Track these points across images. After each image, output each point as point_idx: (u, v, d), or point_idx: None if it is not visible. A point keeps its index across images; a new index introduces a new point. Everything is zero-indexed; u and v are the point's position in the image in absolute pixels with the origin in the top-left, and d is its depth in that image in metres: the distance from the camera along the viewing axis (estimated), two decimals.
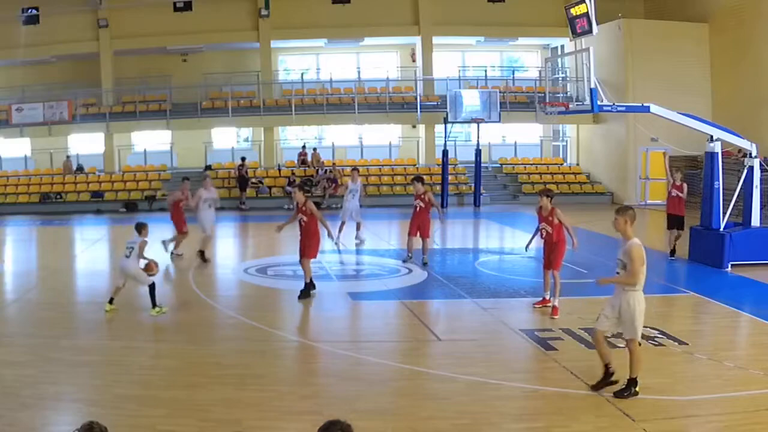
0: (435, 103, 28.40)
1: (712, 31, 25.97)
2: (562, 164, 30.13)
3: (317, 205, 23.80)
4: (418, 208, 14.36)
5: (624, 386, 6.96)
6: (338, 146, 29.76)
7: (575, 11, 14.38)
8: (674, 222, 14.84)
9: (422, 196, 14.29)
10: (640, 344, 7.05)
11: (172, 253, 15.27)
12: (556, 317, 9.91)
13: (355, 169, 18.72)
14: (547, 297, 10.49)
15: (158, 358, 8.41)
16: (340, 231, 16.26)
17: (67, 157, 28.59)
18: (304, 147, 28.87)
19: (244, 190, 26.39)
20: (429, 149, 28.95)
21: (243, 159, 26.98)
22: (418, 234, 14.42)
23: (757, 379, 7.48)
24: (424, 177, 27.63)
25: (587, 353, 8.39)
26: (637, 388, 6.92)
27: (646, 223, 23.54)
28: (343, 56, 31.51)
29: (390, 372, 8.00)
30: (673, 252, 14.83)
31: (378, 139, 30.16)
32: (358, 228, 17.06)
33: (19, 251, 18.33)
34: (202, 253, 14.82)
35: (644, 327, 9.26)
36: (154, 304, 10.51)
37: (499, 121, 26.52)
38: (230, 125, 29.58)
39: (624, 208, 7.17)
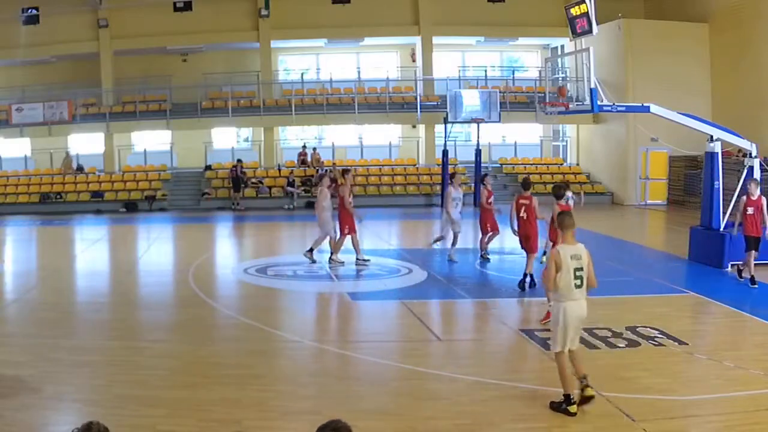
0: (435, 103, 28.40)
1: (712, 31, 25.97)
2: (562, 164, 30.13)
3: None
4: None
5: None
6: (338, 146, 29.74)
7: (575, 11, 14.37)
8: (752, 243, 12.19)
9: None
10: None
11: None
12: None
13: (455, 174, 16.34)
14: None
15: (158, 358, 8.40)
16: (453, 244, 14.67)
17: (67, 153, 28.40)
18: (304, 147, 28.86)
19: (237, 191, 26.34)
20: (429, 149, 28.94)
21: (239, 161, 27.02)
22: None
23: (757, 379, 7.47)
24: (425, 177, 28.04)
25: (587, 353, 8.39)
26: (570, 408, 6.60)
27: (645, 224, 23.59)
28: (343, 56, 31.50)
29: (390, 372, 7.99)
30: (753, 279, 12.08)
31: (378, 139, 30.14)
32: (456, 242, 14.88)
33: (19, 251, 18.33)
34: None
35: (644, 327, 9.38)
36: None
37: (499, 121, 26.52)
38: (230, 125, 29.58)
39: None
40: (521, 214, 11.92)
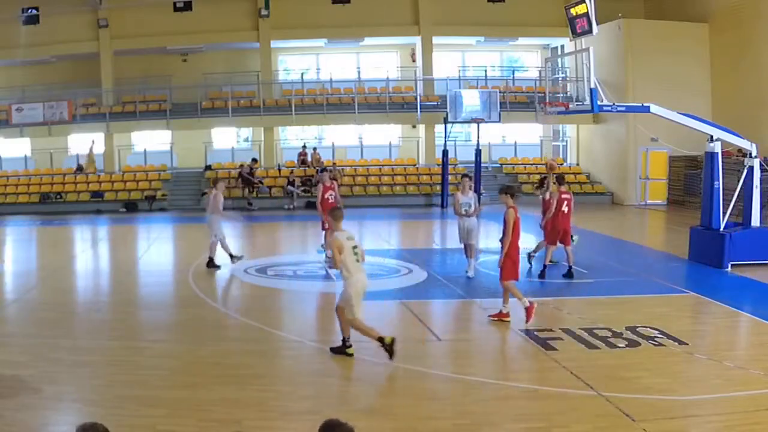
0: (435, 103, 28.40)
1: (712, 31, 25.97)
2: (562, 164, 30.07)
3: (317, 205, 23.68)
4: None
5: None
6: (338, 146, 29.75)
7: (575, 11, 14.36)
8: None
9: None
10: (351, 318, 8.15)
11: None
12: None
13: (465, 175, 13.78)
14: None
15: (158, 358, 8.40)
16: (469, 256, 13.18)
17: (91, 147, 28.12)
18: (304, 147, 28.86)
19: (251, 191, 26.50)
20: (429, 149, 28.94)
21: (254, 160, 27.35)
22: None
23: (757, 379, 7.47)
24: (425, 177, 28.04)
25: (587, 353, 8.40)
26: (348, 350, 8.23)
27: (646, 224, 23.58)
28: (343, 56, 31.50)
29: (390, 372, 8.00)
30: None
31: (378, 139, 30.13)
32: (471, 254, 13.24)
33: (19, 251, 18.32)
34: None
35: (644, 327, 9.38)
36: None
37: (499, 121, 26.49)
38: (230, 125, 29.58)
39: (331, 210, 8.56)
40: (562, 208, 12.36)
